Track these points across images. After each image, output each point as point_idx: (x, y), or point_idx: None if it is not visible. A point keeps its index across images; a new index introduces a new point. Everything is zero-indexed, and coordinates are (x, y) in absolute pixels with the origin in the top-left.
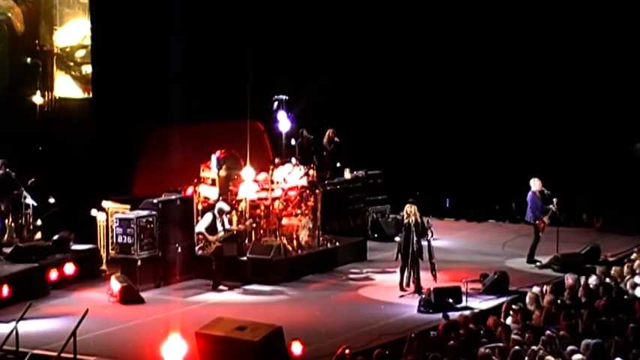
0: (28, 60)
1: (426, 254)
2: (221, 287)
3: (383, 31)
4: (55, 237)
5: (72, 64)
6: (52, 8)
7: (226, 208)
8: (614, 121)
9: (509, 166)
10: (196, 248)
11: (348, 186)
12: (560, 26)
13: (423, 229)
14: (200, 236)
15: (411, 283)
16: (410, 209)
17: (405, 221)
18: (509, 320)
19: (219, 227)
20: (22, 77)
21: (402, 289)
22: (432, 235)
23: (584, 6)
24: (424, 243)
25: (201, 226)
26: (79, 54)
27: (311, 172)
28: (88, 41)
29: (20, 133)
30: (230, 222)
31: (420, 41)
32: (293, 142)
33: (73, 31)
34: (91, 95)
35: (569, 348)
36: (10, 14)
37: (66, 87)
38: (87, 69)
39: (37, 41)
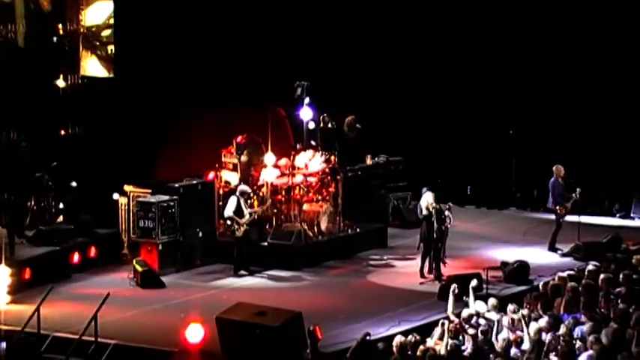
0: (54, 39)
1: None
2: (241, 272)
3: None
4: (77, 220)
5: (98, 43)
6: None
7: (247, 189)
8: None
9: (531, 154)
10: (219, 233)
11: (369, 172)
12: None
13: (442, 216)
14: (227, 221)
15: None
16: (429, 197)
17: (425, 209)
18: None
19: (245, 210)
20: (49, 57)
21: (422, 275)
22: (450, 222)
23: None
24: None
25: (229, 210)
26: (105, 33)
27: (332, 158)
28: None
29: (44, 114)
30: (251, 206)
31: (440, 28)
32: (312, 125)
33: (99, 11)
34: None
35: (590, 337)
36: None
37: (91, 66)
38: (112, 48)
39: (64, 21)
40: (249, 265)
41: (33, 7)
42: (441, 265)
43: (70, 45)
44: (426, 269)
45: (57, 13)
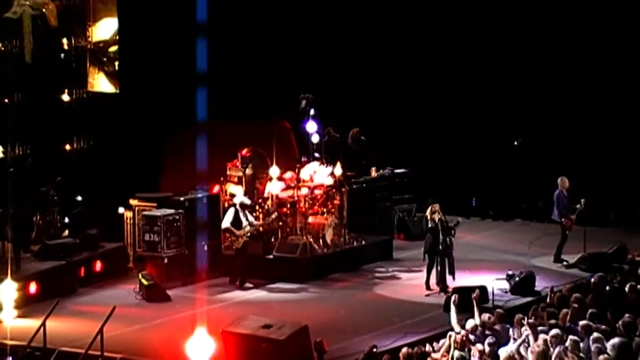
0: (62, 55)
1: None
2: (247, 285)
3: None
4: (83, 234)
5: (105, 59)
6: (85, 4)
7: (247, 201)
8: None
9: (537, 165)
10: (223, 246)
11: (374, 184)
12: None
13: (448, 228)
14: (227, 234)
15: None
16: (434, 208)
17: (431, 221)
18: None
19: (244, 222)
20: (55, 72)
21: (427, 287)
22: (454, 234)
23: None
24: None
25: (226, 221)
26: (113, 49)
27: (338, 170)
28: None
29: (49, 129)
30: (257, 219)
31: (447, 39)
32: (316, 138)
33: (107, 27)
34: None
35: (593, 347)
36: (44, 10)
37: (100, 83)
38: None
39: (71, 37)
40: (245, 280)
41: (40, 23)
42: (448, 277)
43: (76, 61)
44: (431, 281)
45: (64, 29)
